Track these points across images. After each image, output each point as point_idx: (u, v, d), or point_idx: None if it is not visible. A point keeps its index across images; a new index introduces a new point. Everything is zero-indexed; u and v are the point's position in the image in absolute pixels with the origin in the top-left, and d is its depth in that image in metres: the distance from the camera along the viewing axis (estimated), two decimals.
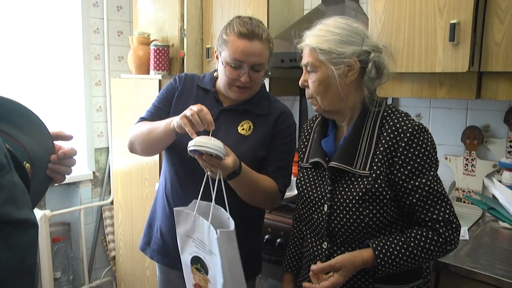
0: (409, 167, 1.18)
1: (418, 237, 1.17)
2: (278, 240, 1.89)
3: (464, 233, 1.71)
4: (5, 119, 0.82)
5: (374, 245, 1.18)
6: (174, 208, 1.39)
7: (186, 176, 1.52)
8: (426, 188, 1.17)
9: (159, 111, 1.57)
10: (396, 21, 1.71)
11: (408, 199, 1.19)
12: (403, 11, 1.69)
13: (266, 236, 1.91)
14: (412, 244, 1.17)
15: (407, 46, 1.69)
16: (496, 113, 1.97)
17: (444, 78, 1.70)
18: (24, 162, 0.80)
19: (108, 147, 3.03)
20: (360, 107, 1.27)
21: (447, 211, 1.18)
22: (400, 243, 1.17)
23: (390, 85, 1.80)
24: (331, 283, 1.15)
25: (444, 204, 1.18)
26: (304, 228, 1.41)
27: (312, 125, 1.43)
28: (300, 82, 1.29)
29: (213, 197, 1.29)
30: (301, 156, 1.42)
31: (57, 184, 1.00)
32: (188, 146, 1.25)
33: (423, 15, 1.64)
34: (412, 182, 1.18)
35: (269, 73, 1.54)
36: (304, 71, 1.28)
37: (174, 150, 1.51)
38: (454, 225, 1.18)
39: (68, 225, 2.95)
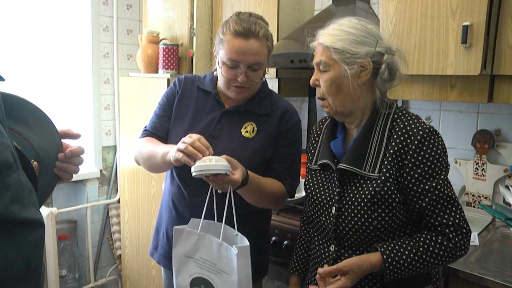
0: (419, 170, 1.16)
1: (427, 241, 1.15)
2: (285, 242, 1.87)
3: (474, 239, 1.69)
4: (14, 117, 0.82)
5: (382, 249, 1.16)
6: (174, 227, 1.37)
7: (191, 179, 1.50)
8: (436, 192, 1.15)
9: (161, 119, 1.56)
10: (408, 23, 1.69)
11: (418, 202, 1.17)
12: (414, 12, 1.67)
13: (273, 238, 1.90)
14: (421, 249, 1.15)
15: (418, 48, 1.67)
16: (507, 117, 1.95)
17: (455, 81, 1.67)
18: (32, 160, 0.80)
19: (115, 146, 3.04)
20: (370, 109, 1.25)
21: (457, 216, 1.16)
22: (409, 248, 1.15)
23: (400, 87, 1.78)
24: (337, 286, 1.13)
25: (454, 208, 1.16)
26: (311, 230, 1.40)
27: (321, 126, 1.42)
28: (311, 81, 1.27)
29: (225, 214, 1.25)
30: (310, 158, 1.41)
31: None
32: (192, 171, 1.22)
33: (435, 17, 1.62)
34: (422, 185, 1.16)
35: (267, 72, 1.51)
36: (315, 70, 1.26)
37: None
38: (464, 230, 1.16)
39: (74, 223, 2.96)
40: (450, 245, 1.15)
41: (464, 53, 1.56)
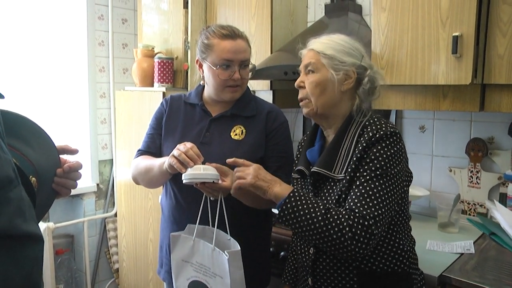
0: (366, 167, 1.17)
1: (331, 210, 1.15)
2: (282, 253, 1.88)
3: (469, 247, 1.70)
4: (12, 133, 0.83)
5: (296, 189, 1.22)
6: (171, 234, 1.42)
7: (186, 188, 1.52)
8: (365, 184, 1.15)
9: (152, 138, 1.63)
10: (399, 34, 1.72)
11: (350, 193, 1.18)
12: (405, 23, 1.70)
13: (270, 249, 1.89)
14: (321, 208, 1.15)
15: (410, 58, 1.70)
16: (500, 125, 1.97)
17: (447, 90, 1.70)
18: (30, 176, 0.81)
19: (112, 159, 3.04)
20: (347, 116, 1.30)
21: (369, 210, 1.12)
22: (314, 201, 1.17)
23: (393, 97, 1.81)
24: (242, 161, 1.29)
25: (371, 203, 1.13)
26: (295, 236, 1.43)
27: (305, 138, 1.46)
28: (296, 83, 1.33)
29: (216, 219, 1.32)
30: (294, 168, 1.44)
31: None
32: (182, 179, 1.31)
33: (425, 28, 1.65)
34: (360, 177, 1.17)
35: (255, 69, 1.61)
36: (302, 73, 1.33)
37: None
38: (366, 223, 1.11)
39: (71, 237, 2.94)
40: (345, 224, 1.11)
41: (455, 63, 1.59)
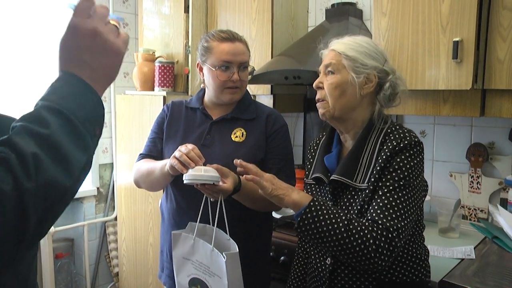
0: (388, 176, 1.16)
1: (352, 220, 1.13)
2: (282, 258, 1.87)
3: (470, 252, 1.69)
4: None
5: (316, 198, 1.17)
6: (172, 232, 1.42)
7: (187, 189, 1.52)
8: (388, 195, 1.14)
9: (154, 142, 1.65)
10: (400, 39, 1.72)
11: (372, 203, 1.16)
12: (406, 28, 1.70)
13: (270, 253, 1.89)
14: (344, 219, 1.12)
15: (410, 63, 1.70)
16: (501, 130, 1.97)
17: (448, 95, 1.70)
18: None
19: (112, 163, 3.04)
20: (367, 123, 1.27)
21: (392, 222, 1.11)
22: (335, 212, 1.14)
23: None
24: (258, 176, 1.22)
25: (394, 215, 1.12)
26: (307, 245, 1.41)
27: (318, 142, 1.45)
28: (314, 83, 1.30)
29: (216, 220, 1.32)
30: (306, 173, 1.42)
31: None
32: (183, 179, 1.33)
33: (426, 33, 1.65)
34: (382, 187, 1.16)
35: (254, 72, 1.64)
36: (321, 74, 1.30)
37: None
38: (389, 235, 1.10)
39: (71, 241, 2.94)
40: (369, 236, 1.10)
41: (455, 68, 1.59)
